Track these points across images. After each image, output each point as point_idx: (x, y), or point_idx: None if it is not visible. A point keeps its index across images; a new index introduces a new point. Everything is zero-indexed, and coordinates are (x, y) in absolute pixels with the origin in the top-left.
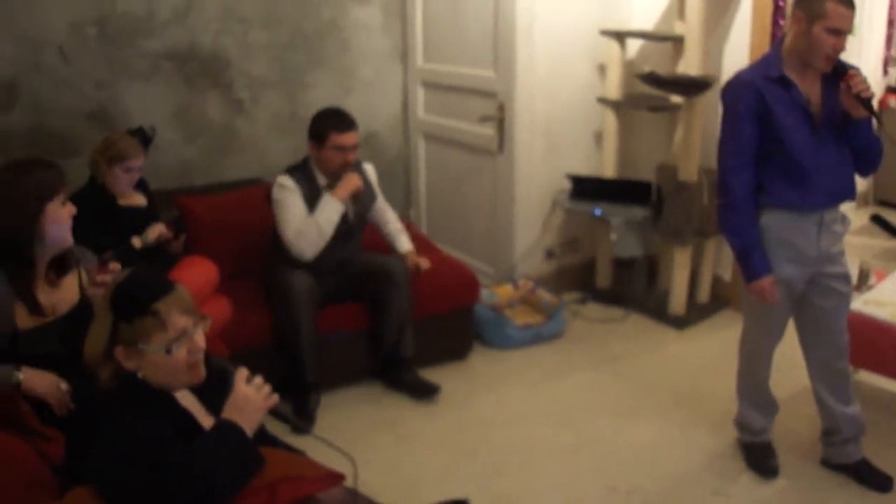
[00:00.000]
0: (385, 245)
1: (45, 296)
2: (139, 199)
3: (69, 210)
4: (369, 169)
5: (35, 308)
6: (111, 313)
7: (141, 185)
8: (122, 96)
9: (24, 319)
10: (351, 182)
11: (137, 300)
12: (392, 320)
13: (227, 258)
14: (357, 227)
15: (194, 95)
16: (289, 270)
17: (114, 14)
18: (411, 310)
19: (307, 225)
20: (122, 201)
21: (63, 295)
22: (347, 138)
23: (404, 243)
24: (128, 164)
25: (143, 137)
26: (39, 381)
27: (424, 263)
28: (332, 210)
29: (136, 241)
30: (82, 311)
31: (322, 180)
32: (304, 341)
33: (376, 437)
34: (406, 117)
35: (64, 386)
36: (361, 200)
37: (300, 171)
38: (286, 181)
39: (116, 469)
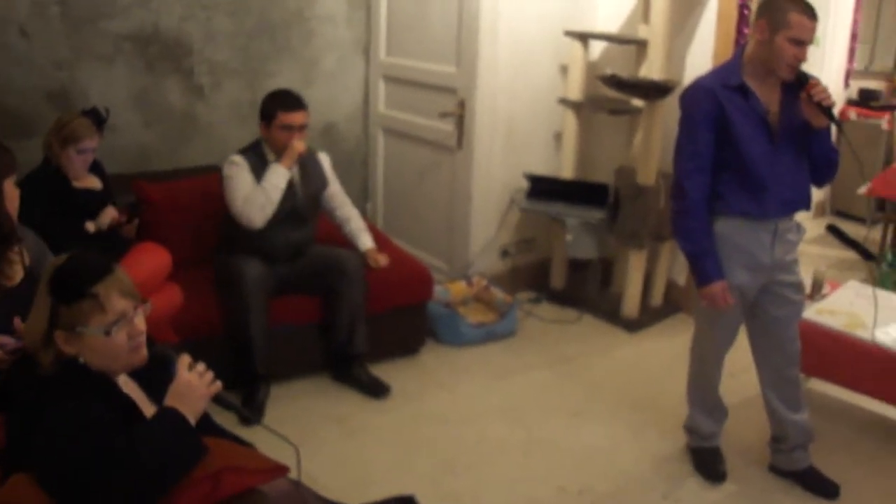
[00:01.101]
0: (343, 240)
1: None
2: (94, 182)
3: (17, 196)
4: (323, 157)
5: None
6: (50, 297)
7: (96, 168)
8: (82, 77)
9: None
10: (294, 148)
11: (76, 282)
12: (344, 315)
13: (181, 244)
14: (308, 211)
15: (155, 79)
16: (241, 257)
17: None
18: (364, 305)
19: (254, 191)
20: (77, 183)
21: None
22: (294, 117)
23: (366, 241)
24: (81, 145)
25: (97, 118)
26: None
27: (383, 260)
28: (277, 176)
29: (90, 226)
30: (27, 288)
31: (272, 158)
32: (254, 331)
33: (325, 430)
34: (366, 110)
35: None
36: (312, 180)
37: (251, 150)
38: (236, 158)
39: (55, 454)
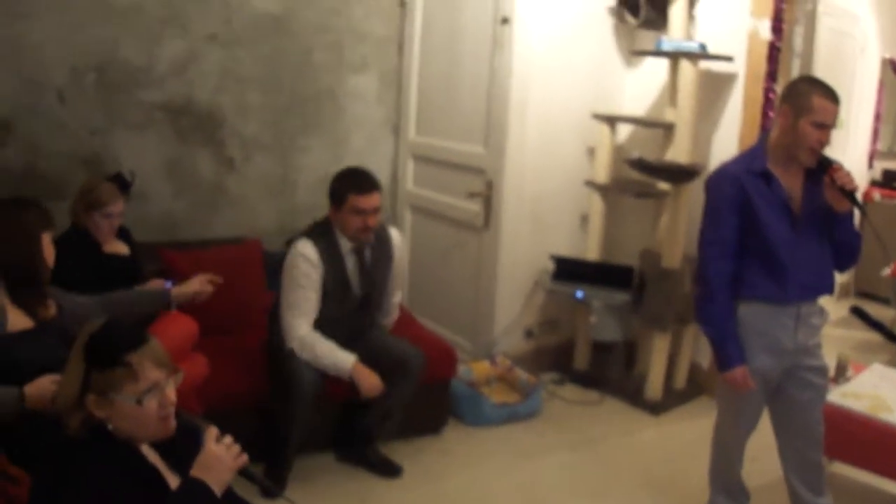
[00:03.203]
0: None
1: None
2: (122, 248)
3: (52, 250)
4: (395, 234)
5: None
6: (84, 361)
7: (123, 235)
8: (115, 144)
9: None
10: (370, 382)
11: (111, 350)
12: (382, 407)
13: (206, 314)
14: (376, 297)
15: (186, 149)
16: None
17: (114, 61)
18: (408, 401)
19: (318, 349)
20: (106, 248)
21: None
22: (367, 200)
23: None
24: (106, 210)
25: (122, 183)
26: (39, 386)
27: None
28: (342, 368)
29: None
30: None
31: (346, 245)
32: (296, 430)
33: None
34: (394, 188)
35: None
36: (382, 265)
37: (323, 238)
38: (310, 252)
39: None
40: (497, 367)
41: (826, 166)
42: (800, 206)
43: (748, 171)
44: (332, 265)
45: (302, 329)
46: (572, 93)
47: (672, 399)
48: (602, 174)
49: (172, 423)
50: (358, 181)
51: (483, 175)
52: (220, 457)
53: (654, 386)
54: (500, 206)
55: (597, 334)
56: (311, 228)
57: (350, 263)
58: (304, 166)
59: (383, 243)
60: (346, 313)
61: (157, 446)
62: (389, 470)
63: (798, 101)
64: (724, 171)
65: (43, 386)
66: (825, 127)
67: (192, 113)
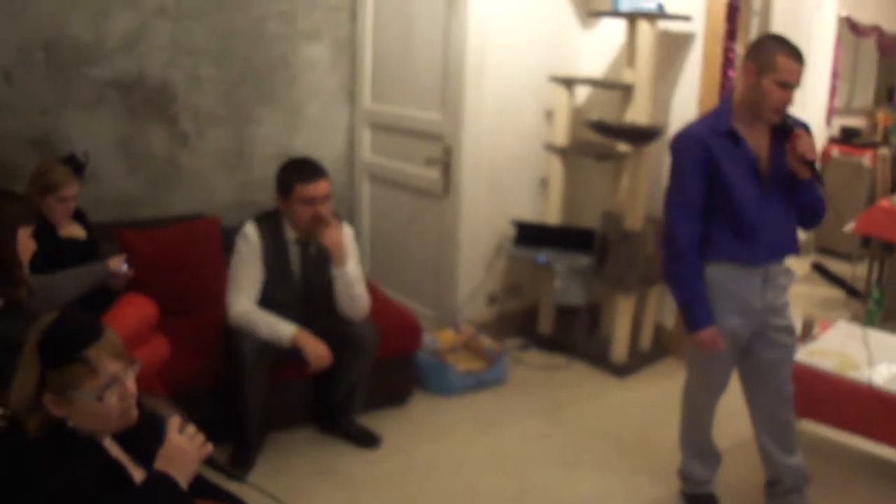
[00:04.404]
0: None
1: None
2: (78, 231)
3: (32, 245)
4: (346, 231)
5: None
6: (38, 361)
7: (78, 217)
8: (65, 124)
9: None
10: (316, 351)
11: (66, 347)
12: (345, 384)
13: (167, 294)
14: (324, 296)
15: (139, 126)
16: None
17: (62, 38)
18: (368, 375)
19: (257, 320)
20: (62, 232)
21: None
22: (315, 188)
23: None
24: (61, 193)
25: (76, 164)
26: None
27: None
28: (283, 338)
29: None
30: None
31: (291, 234)
32: (250, 405)
33: (315, 483)
34: (351, 157)
35: None
36: (323, 264)
37: (268, 221)
38: (250, 232)
39: None
40: (461, 334)
41: (789, 130)
42: (766, 167)
43: (713, 132)
44: (274, 247)
45: (241, 305)
46: (529, 55)
47: (637, 361)
48: (561, 137)
49: (134, 412)
50: (303, 169)
51: (441, 141)
52: (184, 448)
53: (620, 348)
54: (460, 173)
55: (560, 298)
56: (261, 213)
57: (293, 252)
58: (260, 138)
59: None
60: (291, 301)
61: (120, 438)
62: (369, 440)
63: (762, 59)
64: (689, 132)
65: None
66: (789, 86)
67: (143, 88)
